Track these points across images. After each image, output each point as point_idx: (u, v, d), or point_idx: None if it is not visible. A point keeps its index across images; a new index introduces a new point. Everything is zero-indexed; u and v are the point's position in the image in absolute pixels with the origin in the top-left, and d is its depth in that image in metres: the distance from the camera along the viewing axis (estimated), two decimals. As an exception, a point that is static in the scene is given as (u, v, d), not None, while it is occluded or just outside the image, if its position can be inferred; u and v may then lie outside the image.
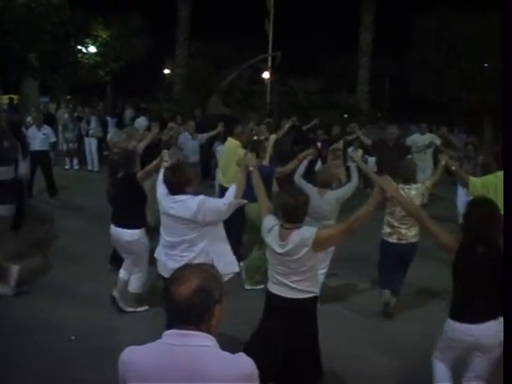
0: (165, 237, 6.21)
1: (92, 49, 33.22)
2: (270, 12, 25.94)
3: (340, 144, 15.40)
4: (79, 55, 31.06)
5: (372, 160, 16.34)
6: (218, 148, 13.01)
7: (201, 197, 5.92)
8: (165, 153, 7.31)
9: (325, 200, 7.98)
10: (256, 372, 2.74)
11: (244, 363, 2.73)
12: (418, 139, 15.89)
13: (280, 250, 5.12)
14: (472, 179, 8.58)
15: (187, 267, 2.86)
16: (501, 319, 4.90)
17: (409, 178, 7.99)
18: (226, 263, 6.05)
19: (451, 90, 25.55)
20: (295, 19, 31.13)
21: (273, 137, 12.93)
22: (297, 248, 5.04)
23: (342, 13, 31.55)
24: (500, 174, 8.87)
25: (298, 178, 8.55)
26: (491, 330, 4.92)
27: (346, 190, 8.42)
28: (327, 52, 32.40)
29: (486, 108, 26.36)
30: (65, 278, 9.03)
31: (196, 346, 2.67)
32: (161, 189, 6.23)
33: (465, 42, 24.15)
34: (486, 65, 24.64)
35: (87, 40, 31.75)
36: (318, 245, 5.07)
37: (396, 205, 7.43)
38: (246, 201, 6.19)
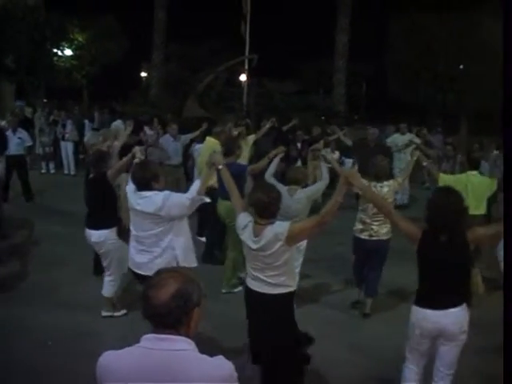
0: (133, 232, 6.38)
1: (68, 52, 33.08)
2: (246, 14, 25.94)
3: (320, 144, 15.48)
4: (55, 58, 30.90)
5: (349, 161, 16.43)
6: (197, 147, 12.96)
7: (165, 192, 6.07)
8: (137, 150, 7.31)
9: (294, 199, 7.98)
10: (235, 374, 2.75)
11: (223, 366, 2.74)
12: (399, 139, 16.06)
13: (254, 246, 5.20)
14: (442, 176, 8.80)
15: (165, 271, 2.87)
16: (463, 306, 5.08)
17: (381, 176, 8.07)
18: (187, 258, 6.22)
19: (427, 92, 25.73)
20: (271, 22, 31.16)
21: (252, 137, 12.97)
22: (270, 243, 5.12)
23: (318, 15, 31.63)
24: (471, 173, 9.02)
25: (269, 177, 8.55)
26: (453, 317, 5.05)
27: (316, 188, 8.44)
28: (304, 54, 32.51)
29: (462, 109, 26.60)
30: (44, 282, 8.98)
31: (174, 350, 2.68)
32: (130, 185, 6.36)
33: (440, 44, 24.33)
34: (461, 66, 24.83)
35: (63, 43, 31.61)
36: (292, 239, 5.15)
37: (369, 201, 7.54)
38: (208, 199, 6.23)
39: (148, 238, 6.18)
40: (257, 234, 5.19)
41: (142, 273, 6.12)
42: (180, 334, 2.72)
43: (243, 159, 11.75)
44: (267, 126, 13.95)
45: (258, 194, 5.27)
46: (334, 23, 29.26)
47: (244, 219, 5.39)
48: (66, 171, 19.94)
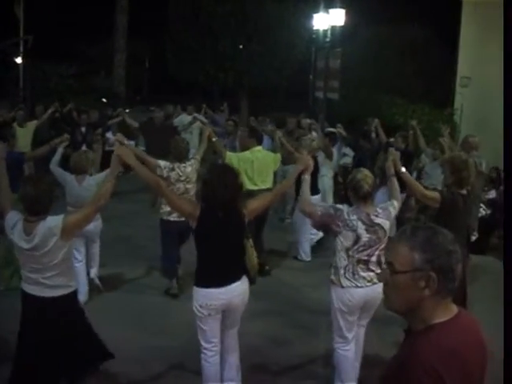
0: None
1: None
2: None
3: (99, 130, 15.33)
4: None
5: (132, 143, 16.46)
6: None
7: None
8: None
9: (83, 187, 7.78)
10: None
11: None
12: (186, 119, 16.15)
13: (27, 246, 4.83)
14: (228, 154, 9.09)
15: None
16: (244, 278, 5.38)
17: (182, 157, 8.19)
18: None
19: (208, 71, 26.09)
20: (48, 2, 29.95)
21: (33, 123, 13.12)
22: (45, 240, 4.81)
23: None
24: (255, 149, 9.31)
25: (54, 167, 8.24)
26: (236, 291, 5.31)
27: (105, 174, 8.23)
28: (83, 35, 31.61)
29: (242, 87, 27.32)
30: None
31: None
32: None
33: (220, 24, 24.74)
34: (240, 46, 25.43)
35: None
36: (67, 232, 4.90)
37: (174, 183, 7.82)
38: None
39: None
40: (28, 232, 4.83)
41: None
42: None
43: (25, 147, 11.45)
44: (49, 111, 13.87)
45: (26, 188, 4.89)
46: (113, 3, 28.73)
47: (13, 218, 4.97)
48: None
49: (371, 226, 5.36)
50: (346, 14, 22.73)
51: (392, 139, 12.56)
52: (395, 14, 23.81)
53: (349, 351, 5.66)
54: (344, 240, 5.40)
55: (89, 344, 5.26)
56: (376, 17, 24.47)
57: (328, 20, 23.09)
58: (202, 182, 5.35)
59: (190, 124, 15.66)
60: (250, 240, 5.58)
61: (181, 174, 8.02)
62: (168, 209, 8.00)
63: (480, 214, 10.95)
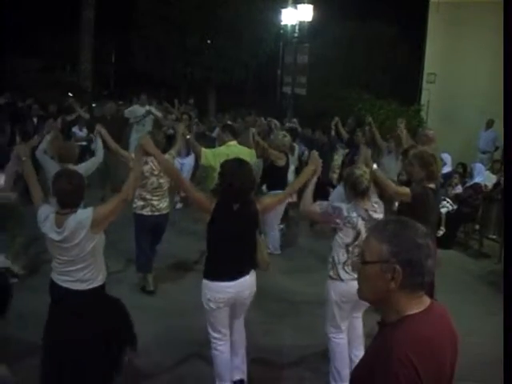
0: None
1: None
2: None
3: (58, 122, 15.31)
4: None
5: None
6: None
7: None
8: None
9: None
10: None
11: None
12: (138, 110, 15.97)
13: (58, 238, 4.85)
14: (203, 150, 8.91)
15: None
16: (252, 272, 5.42)
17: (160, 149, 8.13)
18: None
19: (176, 66, 26.02)
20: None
21: None
22: (75, 232, 4.82)
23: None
24: (231, 144, 9.23)
25: (40, 154, 7.99)
26: (246, 284, 5.38)
27: (90, 164, 8.13)
28: (49, 29, 31.17)
29: (209, 82, 27.29)
30: None
31: None
32: None
33: (187, 18, 24.67)
34: (208, 41, 25.40)
35: None
36: (98, 223, 4.91)
37: (148, 177, 7.76)
38: None
39: None
40: (59, 224, 4.85)
41: None
42: None
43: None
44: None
45: (61, 182, 4.92)
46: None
47: (44, 211, 4.99)
48: None
49: (370, 222, 5.45)
50: (314, 9, 22.85)
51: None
52: (363, 11, 23.93)
53: (342, 339, 5.78)
54: (344, 236, 5.52)
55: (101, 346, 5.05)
56: (343, 13, 24.56)
57: (296, 15, 23.17)
58: (218, 175, 5.33)
59: (144, 117, 15.52)
60: (262, 235, 5.62)
61: (154, 167, 7.89)
62: (141, 203, 8.05)
63: (447, 209, 11.03)
